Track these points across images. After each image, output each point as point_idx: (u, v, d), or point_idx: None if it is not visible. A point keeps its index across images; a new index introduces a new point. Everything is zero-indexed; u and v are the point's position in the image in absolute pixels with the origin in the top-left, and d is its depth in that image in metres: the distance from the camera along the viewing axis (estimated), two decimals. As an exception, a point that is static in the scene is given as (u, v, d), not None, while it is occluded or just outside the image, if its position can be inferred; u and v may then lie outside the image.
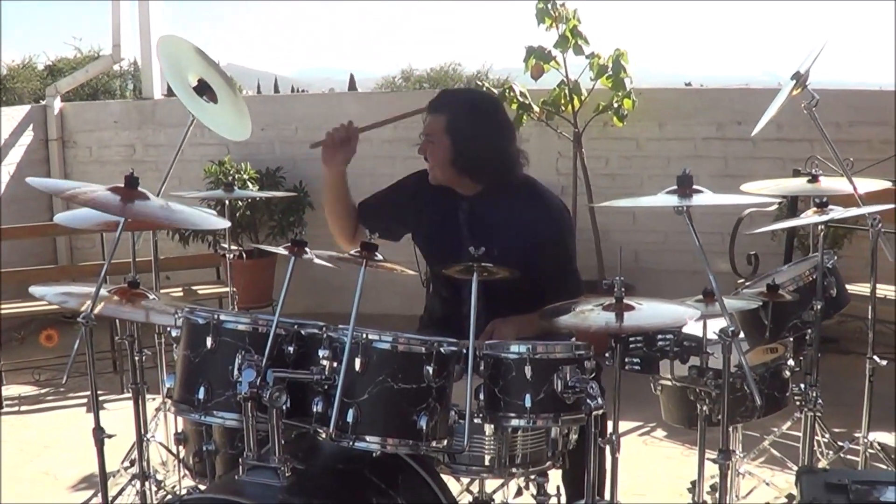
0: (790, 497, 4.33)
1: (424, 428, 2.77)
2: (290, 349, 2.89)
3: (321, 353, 2.81)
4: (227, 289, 5.48)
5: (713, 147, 7.61)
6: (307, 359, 2.89)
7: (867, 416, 4.18)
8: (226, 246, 5.23)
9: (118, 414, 5.58)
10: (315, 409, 2.82)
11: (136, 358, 4.08)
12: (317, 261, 2.98)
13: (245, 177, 7.71)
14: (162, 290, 6.83)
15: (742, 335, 3.82)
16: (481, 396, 2.96)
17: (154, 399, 4.78)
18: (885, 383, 4.43)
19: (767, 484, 4.50)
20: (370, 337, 2.78)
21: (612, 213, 7.45)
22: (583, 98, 7.27)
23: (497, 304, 3.66)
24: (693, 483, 4.27)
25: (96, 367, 6.28)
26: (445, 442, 2.88)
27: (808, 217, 3.75)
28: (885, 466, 4.36)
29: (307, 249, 2.89)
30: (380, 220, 3.86)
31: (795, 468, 4.58)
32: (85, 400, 6.21)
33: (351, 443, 2.76)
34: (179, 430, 3.81)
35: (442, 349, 2.82)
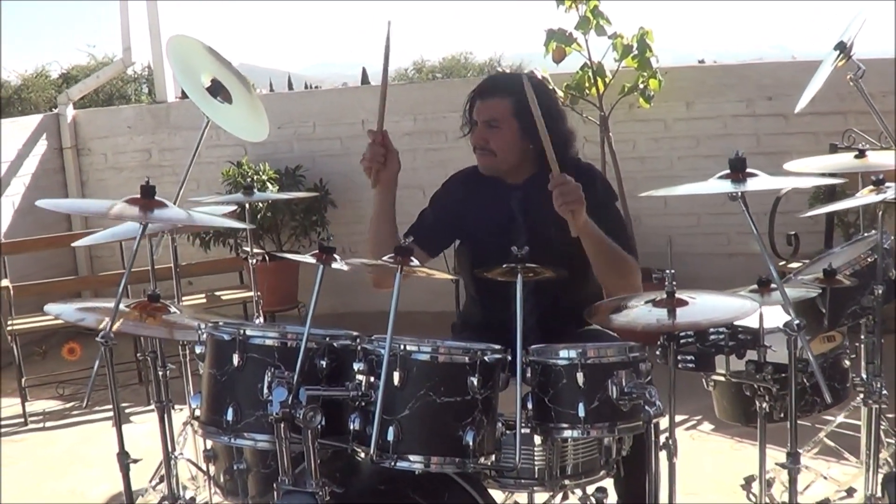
0: (850, 491, 4.15)
1: (471, 443, 2.58)
2: (323, 363, 2.71)
3: (356, 366, 2.63)
4: (252, 293, 5.31)
5: (743, 124, 7.37)
6: (341, 372, 2.72)
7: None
8: (248, 250, 5.06)
9: (145, 427, 5.44)
10: (352, 427, 2.63)
11: (160, 373, 3.90)
12: (347, 268, 2.78)
13: (264, 177, 7.53)
14: (184, 298, 6.69)
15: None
16: (529, 406, 2.76)
17: (181, 410, 4.61)
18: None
19: (825, 478, 4.32)
20: (408, 348, 2.59)
21: (643, 198, 7.24)
22: (607, 80, 7.06)
23: (545, 302, 3.48)
24: (746, 479, 4.10)
25: (121, 380, 6.22)
26: (494, 457, 2.69)
27: (866, 196, 3.52)
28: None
29: (336, 256, 2.70)
30: (431, 239, 3.73)
31: (853, 459, 4.42)
32: (111, 413, 6.05)
33: (393, 463, 2.57)
34: (209, 447, 3.65)
35: (486, 358, 2.62)
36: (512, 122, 3.61)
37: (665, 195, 3.14)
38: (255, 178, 7.46)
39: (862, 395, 3.63)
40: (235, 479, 3.31)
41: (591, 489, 3.03)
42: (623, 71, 7.07)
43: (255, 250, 5.45)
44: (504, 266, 2.73)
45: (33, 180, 8.08)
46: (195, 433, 4.46)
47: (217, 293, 6.90)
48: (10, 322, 6.27)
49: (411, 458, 2.58)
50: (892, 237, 3.74)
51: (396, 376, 2.56)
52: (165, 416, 3.82)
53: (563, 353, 2.74)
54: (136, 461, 3.19)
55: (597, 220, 3.55)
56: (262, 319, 5.11)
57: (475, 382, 2.58)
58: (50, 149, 8.40)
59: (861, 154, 3.99)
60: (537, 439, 2.84)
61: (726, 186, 2.81)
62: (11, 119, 8.52)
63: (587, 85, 7.06)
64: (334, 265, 2.69)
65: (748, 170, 2.85)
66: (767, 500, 3.83)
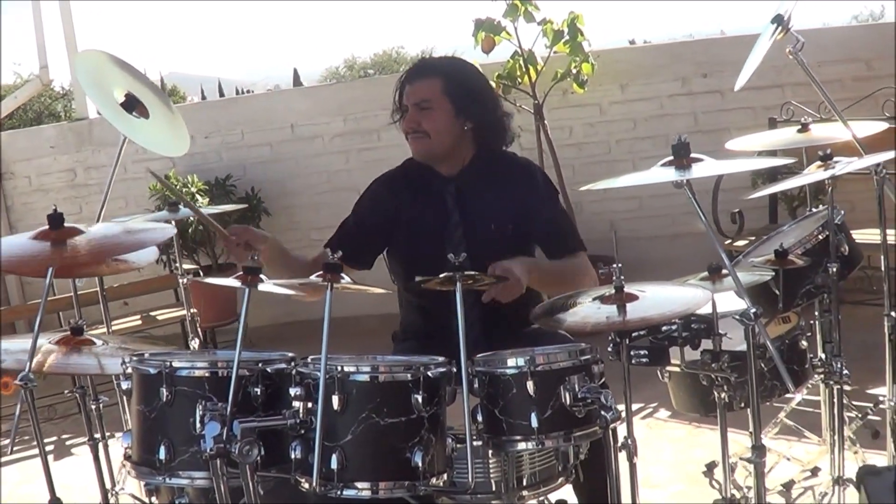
0: (815, 470, 4.08)
1: (420, 464, 2.42)
2: (257, 390, 2.54)
3: (292, 392, 2.47)
4: (189, 311, 5.10)
5: (680, 103, 7.27)
6: (277, 399, 2.56)
7: (891, 377, 3.85)
8: (180, 268, 4.88)
9: (90, 459, 5.20)
10: (294, 456, 2.47)
11: (93, 407, 3.71)
12: (275, 290, 2.61)
13: (193, 190, 7.29)
14: (120, 320, 6.47)
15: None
16: (479, 418, 2.61)
17: (119, 437, 4.40)
18: (873, 332, 4.08)
19: (788, 459, 4.24)
20: (346, 369, 2.43)
21: (583, 185, 7.15)
22: (539, 68, 6.91)
23: (488, 304, 3.33)
24: (708, 466, 4.03)
25: (60, 410, 5.98)
26: (445, 476, 2.54)
27: (814, 173, 3.41)
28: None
29: (262, 277, 2.53)
30: (358, 251, 3.56)
31: (814, 437, 4.35)
32: (53, 447, 5.82)
33: (339, 492, 2.41)
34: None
35: (430, 373, 2.47)
36: (443, 100, 3.49)
37: (605, 183, 2.99)
38: (184, 191, 7.22)
39: (822, 377, 3.53)
40: (180, 513, 3.15)
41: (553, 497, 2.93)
42: (554, 57, 6.94)
43: (188, 266, 5.28)
44: (441, 276, 2.56)
45: (-46, 211, 7.79)
46: (131, 474, 4.30)
47: (153, 313, 6.66)
48: (-66, 362, 5.98)
49: (358, 485, 2.42)
50: (843, 213, 3.64)
51: (336, 400, 2.40)
52: (104, 451, 3.65)
53: (511, 362, 2.60)
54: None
55: (538, 220, 3.44)
56: (198, 340, 4.90)
57: (420, 400, 2.44)
58: (-31, 177, 8.09)
59: (804, 128, 3.90)
60: (491, 451, 2.70)
61: (670, 174, 2.67)
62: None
63: (519, 73, 6.91)
64: (261, 287, 2.52)
65: (692, 155, 2.71)
66: (732, 487, 3.74)
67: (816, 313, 3.91)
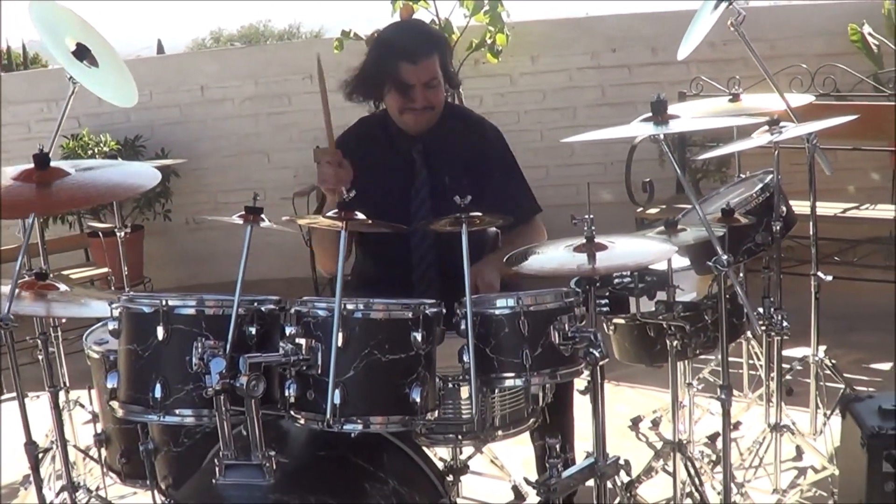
0: (737, 424, 4.27)
1: (418, 400, 2.51)
2: (252, 330, 2.58)
3: (289, 330, 2.53)
4: (101, 270, 5.09)
5: (588, 76, 7.47)
6: (268, 340, 2.60)
7: (815, 335, 4.09)
8: (95, 224, 4.86)
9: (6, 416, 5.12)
10: (288, 394, 2.53)
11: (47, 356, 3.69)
12: (278, 227, 2.68)
13: (106, 149, 7.21)
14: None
15: (689, 263, 3.72)
16: (465, 358, 2.70)
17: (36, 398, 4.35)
18: (796, 297, 4.31)
19: (712, 413, 4.44)
20: (349, 307, 2.50)
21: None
22: (455, 37, 7.02)
23: (446, 251, 3.44)
24: (633, 420, 4.18)
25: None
26: (437, 413, 2.64)
27: (761, 136, 3.60)
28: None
29: (263, 217, 2.59)
30: None
31: (736, 393, 4.54)
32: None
33: (341, 427, 2.48)
34: (100, 431, 3.48)
35: (428, 312, 2.56)
36: (441, 76, 3.58)
37: (590, 135, 3.10)
38: (97, 149, 7.14)
39: (764, 328, 3.71)
40: (133, 462, 3.20)
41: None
42: (470, 27, 7.08)
43: (96, 225, 5.23)
44: (448, 217, 2.66)
45: None
46: (72, 418, 4.28)
47: (65, 272, 6.58)
48: None
49: (358, 420, 2.49)
50: (780, 176, 3.84)
51: (340, 337, 2.47)
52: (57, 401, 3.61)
53: (502, 302, 2.69)
54: (46, 451, 3.00)
55: (496, 173, 3.56)
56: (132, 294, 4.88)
57: (419, 338, 2.52)
58: None
59: (735, 98, 4.09)
60: (464, 392, 2.78)
61: (648, 129, 2.82)
62: None
63: (435, 42, 6.98)
64: (263, 225, 2.59)
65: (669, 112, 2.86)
66: (657, 439, 3.93)
67: (742, 274, 4.12)
